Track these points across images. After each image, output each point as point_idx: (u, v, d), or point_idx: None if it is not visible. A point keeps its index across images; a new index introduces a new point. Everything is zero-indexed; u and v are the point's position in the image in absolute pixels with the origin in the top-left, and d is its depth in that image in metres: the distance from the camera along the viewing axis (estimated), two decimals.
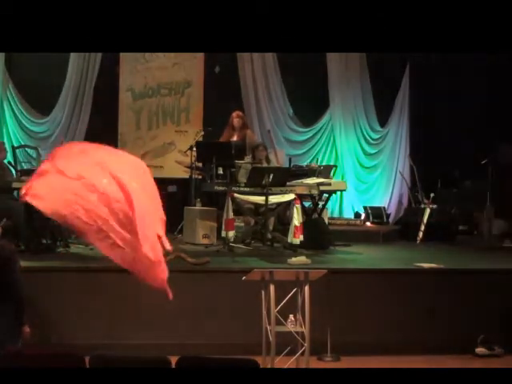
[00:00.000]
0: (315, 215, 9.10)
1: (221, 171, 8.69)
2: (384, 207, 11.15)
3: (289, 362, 5.53)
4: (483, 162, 9.86)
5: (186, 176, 9.86)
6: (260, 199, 8.15)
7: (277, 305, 5.47)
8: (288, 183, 8.31)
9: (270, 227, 8.52)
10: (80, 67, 10.70)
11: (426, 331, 7.02)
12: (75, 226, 4.12)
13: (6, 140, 10.30)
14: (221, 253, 8.05)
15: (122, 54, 10.75)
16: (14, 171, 8.59)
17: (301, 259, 7.47)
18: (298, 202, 8.15)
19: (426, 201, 10.40)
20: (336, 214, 11.12)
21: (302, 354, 5.53)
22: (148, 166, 4.60)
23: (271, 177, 7.96)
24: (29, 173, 8.62)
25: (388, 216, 11.09)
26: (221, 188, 8.30)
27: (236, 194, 8.14)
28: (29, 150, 10.33)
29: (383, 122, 11.49)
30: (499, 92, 10.84)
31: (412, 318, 7.04)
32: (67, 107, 10.76)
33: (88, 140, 10.45)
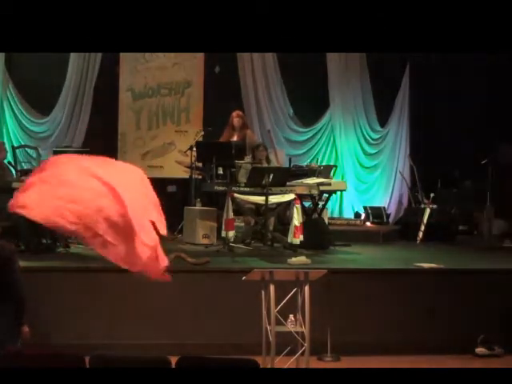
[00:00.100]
0: (315, 215, 9.10)
1: (221, 171, 8.69)
2: (384, 207, 11.15)
3: (289, 362, 5.53)
4: (483, 162, 9.86)
5: (186, 176, 9.85)
6: (260, 199, 8.15)
7: (277, 305, 5.47)
8: (288, 183, 8.31)
9: (270, 227, 8.52)
10: (80, 67, 10.69)
11: (426, 331, 7.02)
12: (66, 229, 4.15)
13: (6, 140, 10.29)
14: (221, 253, 8.05)
15: (121, 54, 10.74)
16: (13, 171, 8.59)
17: (301, 259, 7.47)
18: (298, 201, 8.16)
19: (426, 201, 10.40)
20: (336, 214, 11.12)
21: (302, 354, 5.53)
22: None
23: (271, 177, 7.97)
24: (29, 173, 8.65)
25: (388, 216, 11.09)
26: (221, 188, 8.30)
27: (236, 194, 8.14)
28: (29, 150, 10.34)
29: (383, 122, 11.49)
30: (499, 92, 10.84)
31: (412, 318, 7.04)
32: (67, 107, 10.76)
33: (88, 140, 10.58)
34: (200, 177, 9.47)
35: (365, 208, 11.03)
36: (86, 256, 7.38)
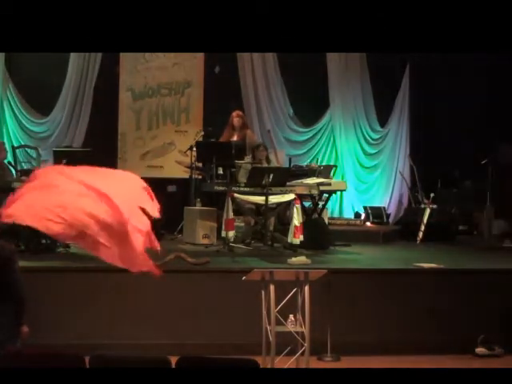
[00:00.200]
0: (315, 215, 9.10)
1: (221, 171, 8.69)
2: (384, 207, 11.15)
3: (289, 362, 5.53)
4: (483, 162, 9.86)
5: (186, 176, 9.86)
6: (260, 199, 8.15)
7: (277, 305, 5.47)
8: (288, 183, 8.32)
9: (270, 227, 8.52)
10: (80, 67, 10.69)
11: (426, 331, 7.02)
12: (55, 231, 4.19)
13: (6, 140, 10.29)
14: (221, 253, 8.05)
15: (122, 54, 10.74)
16: (13, 171, 8.59)
17: (301, 259, 7.48)
18: (298, 202, 8.16)
19: (426, 201, 10.39)
20: (336, 214, 11.12)
21: (302, 354, 5.53)
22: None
23: (271, 177, 7.97)
24: (29, 173, 8.65)
25: (388, 216, 11.09)
26: (221, 188, 8.30)
27: (236, 194, 8.14)
28: (29, 150, 10.33)
29: (383, 122, 11.49)
30: (499, 92, 10.84)
31: (412, 318, 7.04)
32: (67, 107, 10.75)
33: (88, 140, 10.58)
34: (200, 177, 9.47)
35: (365, 208, 11.03)
36: (86, 256, 7.34)
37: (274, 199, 8.18)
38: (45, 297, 6.51)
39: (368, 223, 10.77)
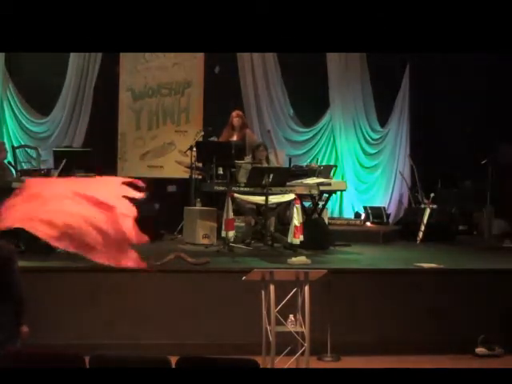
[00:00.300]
0: (315, 215, 9.10)
1: (221, 171, 8.68)
2: (384, 207, 11.15)
3: (289, 362, 5.53)
4: (483, 162, 9.85)
5: (186, 176, 9.85)
6: (260, 199, 8.15)
7: (277, 305, 5.47)
8: (288, 183, 8.31)
9: (271, 227, 8.52)
10: (80, 67, 10.69)
11: (426, 331, 7.02)
12: (47, 234, 4.24)
13: (6, 140, 10.29)
14: (221, 253, 8.05)
15: (122, 54, 10.74)
16: (13, 171, 8.59)
17: (301, 259, 7.48)
18: (298, 201, 8.16)
19: (426, 201, 10.39)
20: (336, 214, 11.12)
21: (302, 354, 5.53)
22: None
23: (271, 177, 7.96)
24: (29, 173, 8.66)
25: (388, 216, 11.09)
26: (221, 188, 8.30)
27: (236, 194, 8.14)
28: (29, 150, 10.33)
29: (383, 122, 11.49)
30: (499, 92, 10.84)
31: (412, 318, 7.04)
32: (67, 107, 10.75)
33: (88, 140, 10.58)
34: (200, 177, 9.47)
35: (365, 208, 11.03)
36: (86, 256, 7.37)
37: (274, 199, 8.18)
38: (45, 297, 6.52)
39: (368, 223, 10.76)
